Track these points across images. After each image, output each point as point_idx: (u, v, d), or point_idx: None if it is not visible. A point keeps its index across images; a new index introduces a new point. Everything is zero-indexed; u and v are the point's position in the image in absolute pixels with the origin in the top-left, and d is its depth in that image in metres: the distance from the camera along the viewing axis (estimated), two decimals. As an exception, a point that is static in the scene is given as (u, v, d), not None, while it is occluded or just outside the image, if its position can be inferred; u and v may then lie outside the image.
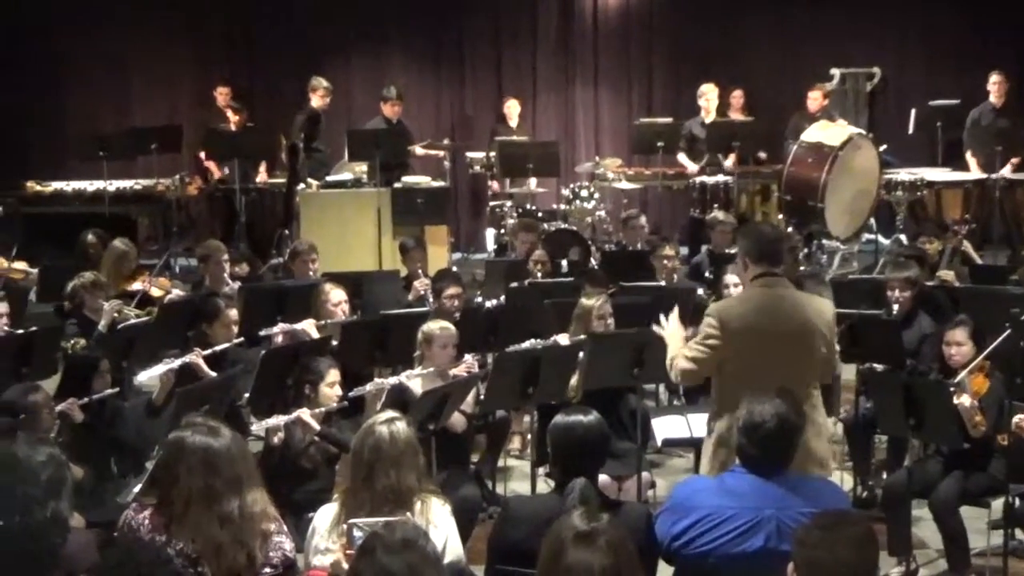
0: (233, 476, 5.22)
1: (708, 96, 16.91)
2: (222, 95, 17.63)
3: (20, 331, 10.03)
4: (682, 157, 16.94)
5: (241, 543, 5.15)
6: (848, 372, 9.66)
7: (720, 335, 6.92)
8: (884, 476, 9.33)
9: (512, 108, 17.95)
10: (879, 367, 9.45)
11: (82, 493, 7.45)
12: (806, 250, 15.84)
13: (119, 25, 18.69)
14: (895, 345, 9.43)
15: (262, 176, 16.99)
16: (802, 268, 13.46)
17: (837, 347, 7.26)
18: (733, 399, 6.79)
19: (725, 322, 6.93)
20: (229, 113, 16.96)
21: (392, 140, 15.74)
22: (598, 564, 4.13)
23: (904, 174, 16.44)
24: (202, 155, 17.29)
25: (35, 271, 13.14)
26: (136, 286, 11.83)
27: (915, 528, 8.49)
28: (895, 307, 9.92)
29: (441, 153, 17.57)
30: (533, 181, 17.01)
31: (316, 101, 16.46)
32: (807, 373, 6.98)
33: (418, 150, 16.84)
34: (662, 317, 7.59)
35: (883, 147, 16.17)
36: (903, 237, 16.11)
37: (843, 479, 9.34)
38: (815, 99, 16.90)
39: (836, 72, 18.73)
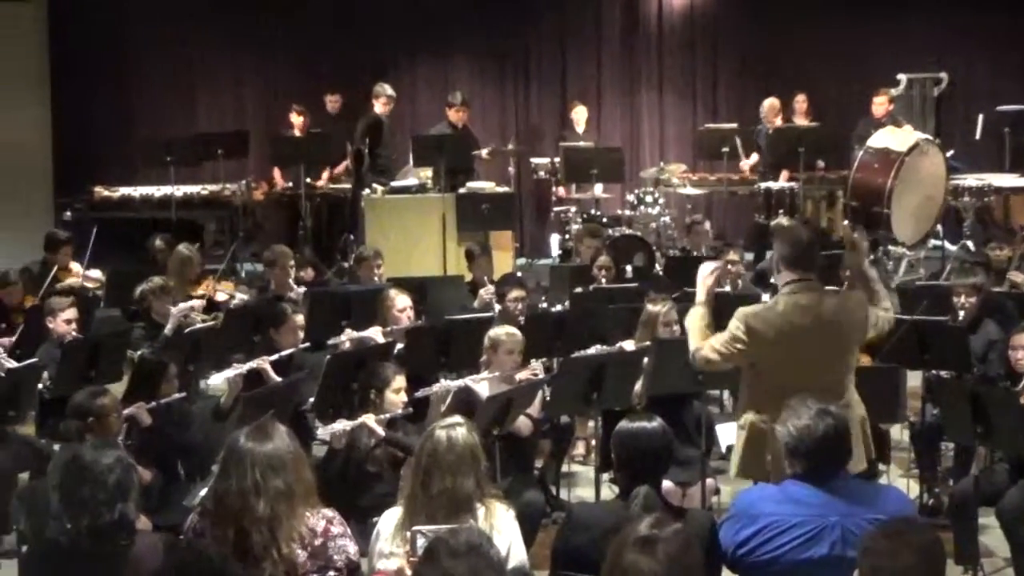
0: (280, 479, 5.26)
1: (768, 116, 16.90)
2: (332, 103, 17.72)
3: (88, 336, 10.14)
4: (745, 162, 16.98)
5: (287, 544, 5.19)
6: (914, 379, 9.61)
7: (746, 340, 6.93)
8: (951, 484, 9.26)
9: (579, 113, 17.91)
10: (945, 374, 9.39)
11: (150, 496, 7.51)
12: (872, 256, 15.75)
13: (186, 31, 18.81)
14: (962, 351, 9.37)
15: (323, 181, 17.05)
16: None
17: (883, 313, 7.26)
18: (763, 398, 6.85)
19: (752, 328, 6.92)
20: (293, 116, 17.02)
21: (457, 145, 15.76)
22: (649, 571, 4.12)
23: (971, 180, 16.34)
24: (275, 171, 17.38)
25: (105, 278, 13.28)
26: (199, 292, 11.89)
27: (982, 536, 8.43)
28: (961, 313, 9.86)
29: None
30: (598, 186, 17.02)
31: (379, 107, 16.53)
32: (840, 375, 6.98)
33: (484, 154, 16.86)
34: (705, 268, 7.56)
35: (950, 152, 16.10)
36: (970, 243, 16.01)
37: (909, 487, 9.30)
38: (880, 104, 16.80)
39: (903, 77, 18.60)
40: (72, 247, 13.47)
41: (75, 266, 13.27)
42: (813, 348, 6.87)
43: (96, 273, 13.42)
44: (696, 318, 7.32)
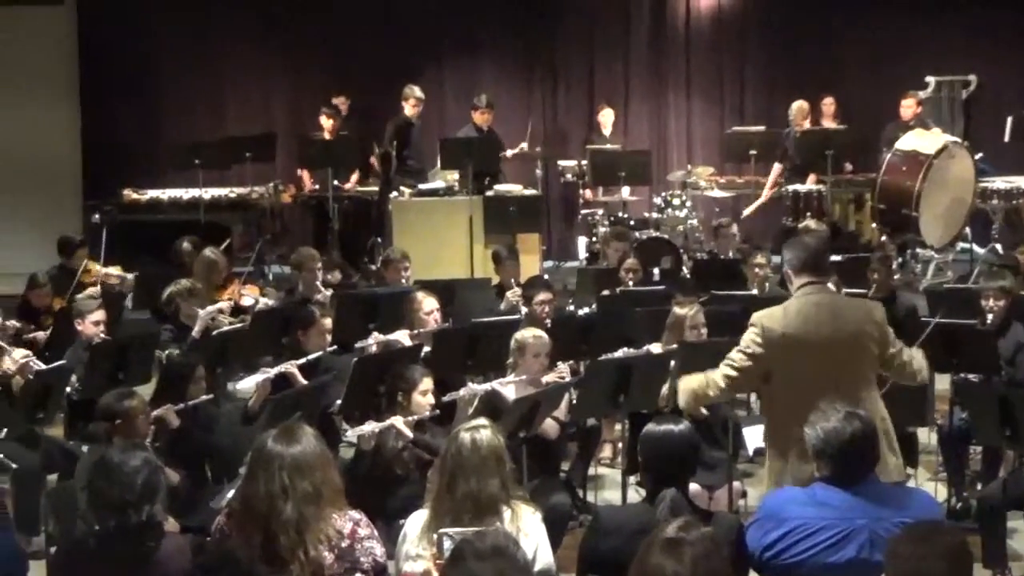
0: (307, 481, 5.27)
1: (797, 119, 16.79)
2: (342, 104, 17.70)
3: (116, 338, 10.18)
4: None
5: (314, 546, 5.21)
6: (942, 382, 9.58)
7: (762, 342, 6.90)
8: (979, 487, 9.24)
9: (606, 116, 17.89)
10: (973, 377, 9.37)
11: (177, 497, 7.54)
12: (900, 259, 15.72)
13: (215, 34, 18.84)
14: (990, 355, 9.35)
15: (351, 184, 17.06)
16: (896, 277, 13.36)
17: (902, 348, 7.19)
18: (785, 411, 6.78)
19: (768, 329, 6.90)
20: (323, 119, 17.01)
21: (484, 148, 15.76)
22: (675, 574, 4.12)
23: (1000, 182, 16.30)
24: (303, 174, 17.35)
25: (130, 276, 13.32)
26: (225, 298, 11.90)
27: (1010, 540, 8.43)
28: (989, 317, 9.83)
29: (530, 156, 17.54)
30: (625, 189, 17.00)
31: (408, 110, 16.53)
32: (859, 378, 6.89)
33: (508, 153, 16.81)
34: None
35: (978, 155, 16.03)
36: (999, 246, 15.95)
37: (937, 490, 9.27)
38: (908, 107, 16.75)
39: (931, 80, 18.55)
40: (87, 248, 13.52)
41: (95, 266, 13.32)
42: (827, 350, 6.83)
43: (116, 270, 13.49)
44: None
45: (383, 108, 17.48)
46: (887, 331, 7.03)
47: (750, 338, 6.95)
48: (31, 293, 11.97)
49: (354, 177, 17.13)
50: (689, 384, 7.23)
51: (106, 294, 12.15)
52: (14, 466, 8.75)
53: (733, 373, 7.00)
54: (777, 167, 16.85)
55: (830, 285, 7.65)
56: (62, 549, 6.27)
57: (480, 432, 5.78)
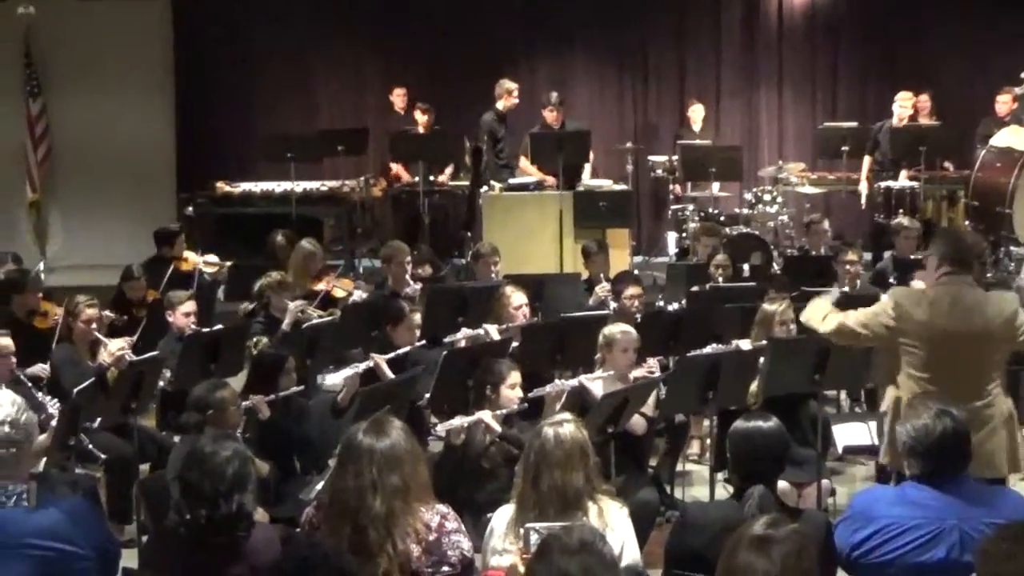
0: (396, 475, 5.30)
1: (902, 103, 16.55)
2: (399, 96, 17.75)
3: (208, 329, 10.28)
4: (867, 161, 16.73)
5: (402, 540, 5.23)
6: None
7: (894, 315, 7.06)
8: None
9: (696, 112, 17.85)
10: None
11: (267, 488, 7.59)
12: (993, 257, 15.55)
13: (308, 28, 18.90)
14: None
15: (444, 178, 17.09)
16: (989, 275, 13.23)
17: None
18: (908, 384, 7.02)
19: (901, 305, 7.07)
20: (417, 115, 17.01)
21: (575, 143, 15.70)
22: (763, 571, 4.11)
23: (1095, 180, 16.08)
24: (393, 166, 17.38)
25: (226, 264, 13.46)
26: (320, 287, 12.03)
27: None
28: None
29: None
30: (716, 185, 16.92)
31: (502, 105, 16.39)
32: (985, 371, 7.01)
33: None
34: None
35: (1075, 152, 15.83)
36: (1094, 244, 15.77)
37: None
38: (1004, 103, 16.55)
39: (1027, 76, 18.35)
40: (183, 237, 13.67)
41: (192, 256, 13.44)
42: (957, 339, 6.93)
43: (213, 258, 13.61)
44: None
45: (474, 104, 17.46)
46: (1016, 327, 7.06)
47: (885, 311, 7.08)
48: (125, 285, 12.08)
49: (448, 170, 17.16)
50: (815, 310, 7.51)
51: (199, 285, 12.28)
52: (103, 456, 8.86)
53: (858, 329, 7.23)
54: (868, 160, 16.68)
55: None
56: (153, 538, 6.33)
57: (564, 427, 5.79)
